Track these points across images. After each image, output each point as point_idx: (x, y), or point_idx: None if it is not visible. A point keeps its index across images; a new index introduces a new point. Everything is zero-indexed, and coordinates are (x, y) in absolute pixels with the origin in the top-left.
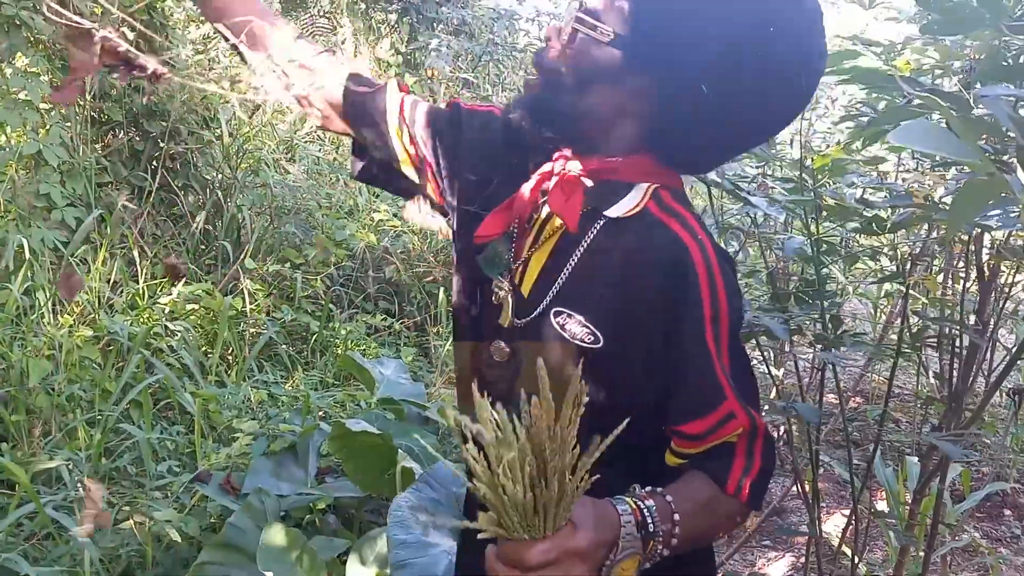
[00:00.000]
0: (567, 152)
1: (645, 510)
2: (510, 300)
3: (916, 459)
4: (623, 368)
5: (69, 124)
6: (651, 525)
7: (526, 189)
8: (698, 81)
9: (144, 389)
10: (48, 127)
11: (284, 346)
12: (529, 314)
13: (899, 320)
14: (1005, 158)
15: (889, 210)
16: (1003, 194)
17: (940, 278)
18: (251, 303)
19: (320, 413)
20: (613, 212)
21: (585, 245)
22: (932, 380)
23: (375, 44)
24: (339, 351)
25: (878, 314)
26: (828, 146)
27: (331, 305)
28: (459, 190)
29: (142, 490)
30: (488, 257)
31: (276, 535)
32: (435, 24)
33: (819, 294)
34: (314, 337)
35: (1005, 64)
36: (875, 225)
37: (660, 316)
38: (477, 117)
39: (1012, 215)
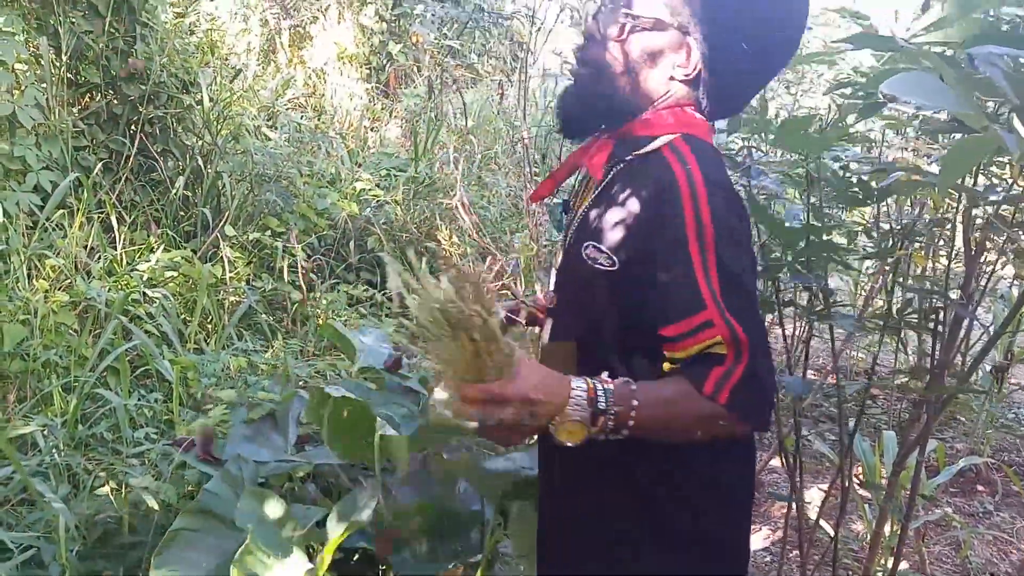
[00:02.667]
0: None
1: (600, 389)
2: (562, 249)
3: (894, 433)
4: (636, 285)
5: (45, 86)
6: (602, 403)
7: (571, 157)
8: (735, 39)
9: (121, 355)
10: (23, 88)
11: (264, 315)
12: (571, 254)
13: (880, 295)
14: (997, 126)
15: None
16: (996, 147)
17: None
18: (231, 271)
19: (300, 382)
20: (629, 156)
21: (603, 185)
22: (911, 356)
23: (359, 10)
24: (319, 321)
25: (858, 290)
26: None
27: (312, 275)
28: None
29: (119, 457)
30: (554, 221)
31: (255, 500)
32: None
33: (814, 264)
34: (294, 307)
35: (1002, 32)
36: (864, 196)
37: (654, 235)
38: None
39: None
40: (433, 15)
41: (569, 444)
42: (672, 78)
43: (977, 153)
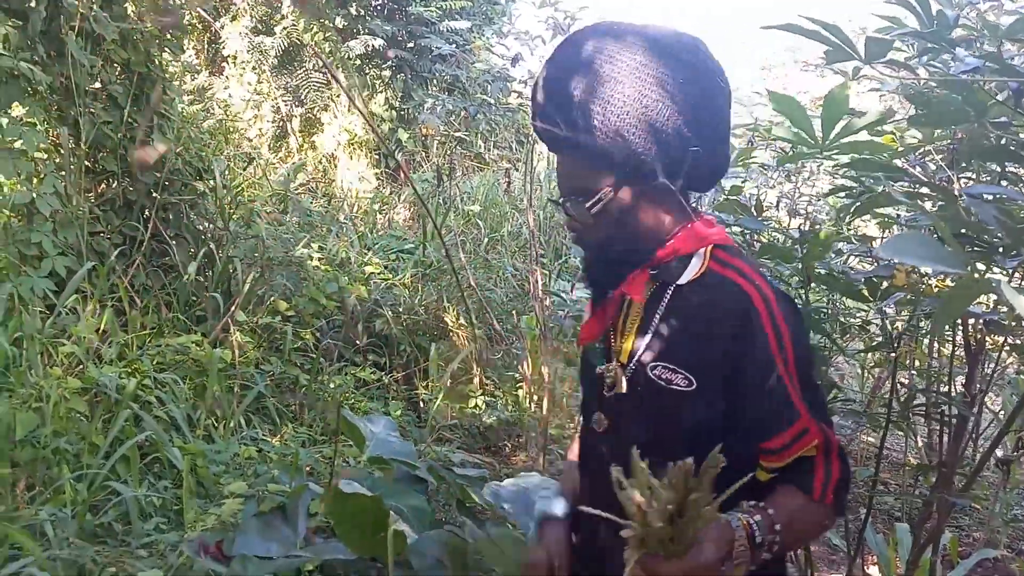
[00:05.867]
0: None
1: (754, 525)
2: (619, 373)
3: (907, 526)
4: (715, 402)
5: (63, 173)
6: (758, 537)
7: (611, 297)
8: (674, 151)
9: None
10: (42, 176)
11: (272, 400)
12: (634, 378)
13: (887, 386)
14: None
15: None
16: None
17: (927, 342)
18: (240, 355)
19: (308, 468)
20: (683, 280)
21: (662, 309)
22: (921, 447)
23: (370, 99)
24: (328, 405)
25: (865, 375)
26: (815, 210)
27: (321, 358)
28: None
29: (128, 548)
30: (595, 354)
31: None
32: (429, 82)
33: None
34: (302, 390)
35: (987, 143)
36: (868, 293)
37: (736, 354)
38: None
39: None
40: (441, 107)
41: None
42: (661, 211)
43: (972, 295)
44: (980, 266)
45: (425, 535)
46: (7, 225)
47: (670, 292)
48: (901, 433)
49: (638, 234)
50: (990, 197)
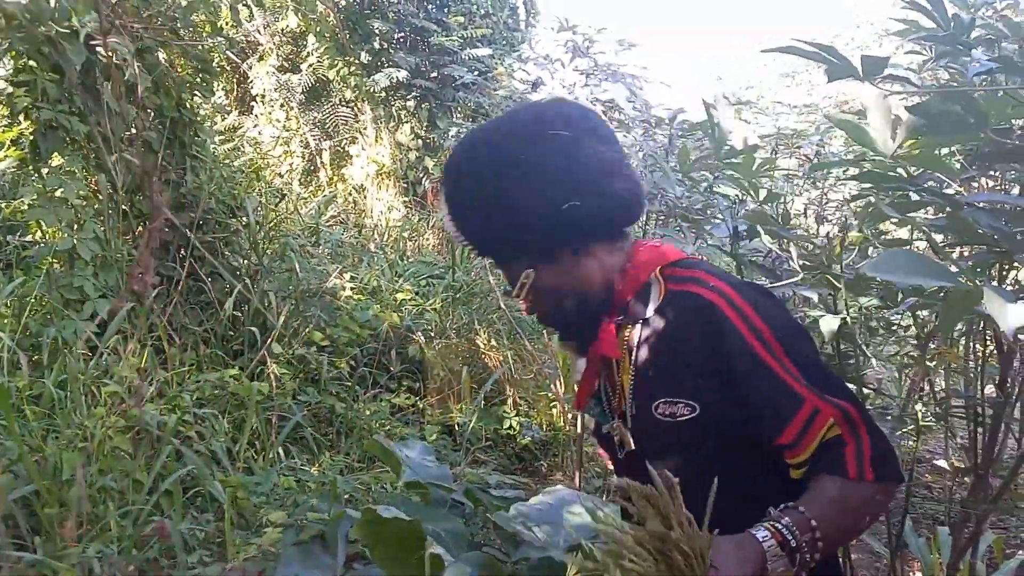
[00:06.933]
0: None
1: (784, 530)
2: (625, 429)
3: (947, 529)
4: (724, 418)
5: (102, 219)
6: (793, 541)
7: (592, 360)
8: (566, 218)
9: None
10: (83, 222)
11: (310, 429)
12: (642, 421)
13: (923, 388)
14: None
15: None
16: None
17: (963, 342)
18: (277, 387)
19: (346, 496)
20: (648, 313)
21: (638, 348)
22: (959, 441)
23: (395, 130)
24: (364, 432)
25: (903, 378)
26: (842, 216)
27: (356, 386)
28: None
29: None
30: (596, 415)
31: None
32: (453, 110)
33: (847, 369)
34: (338, 419)
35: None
36: (888, 300)
37: (719, 362)
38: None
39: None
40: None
41: None
42: (590, 263)
43: (966, 305)
44: (990, 267)
45: (462, 557)
46: (50, 271)
47: (640, 329)
48: (941, 436)
49: (581, 293)
50: (983, 204)
